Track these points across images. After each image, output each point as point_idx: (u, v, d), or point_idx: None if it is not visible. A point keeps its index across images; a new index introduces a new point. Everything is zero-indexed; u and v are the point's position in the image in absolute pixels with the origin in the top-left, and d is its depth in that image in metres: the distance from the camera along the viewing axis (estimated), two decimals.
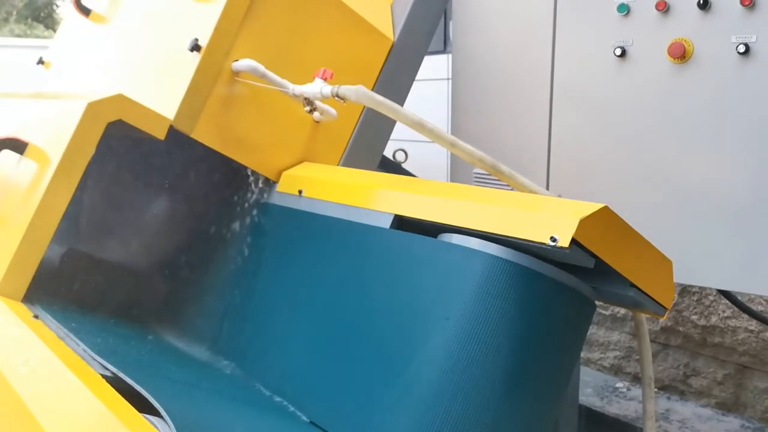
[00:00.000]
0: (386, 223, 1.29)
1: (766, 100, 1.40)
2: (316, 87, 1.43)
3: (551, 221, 1.00)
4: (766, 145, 1.43)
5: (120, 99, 1.36)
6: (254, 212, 1.61)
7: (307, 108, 1.52)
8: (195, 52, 1.47)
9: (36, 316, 1.19)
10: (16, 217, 1.35)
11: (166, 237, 1.68)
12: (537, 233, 1.02)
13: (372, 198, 1.34)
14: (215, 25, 1.47)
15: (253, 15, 1.53)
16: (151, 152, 1.61)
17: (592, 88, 1.62)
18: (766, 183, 1.44)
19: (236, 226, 1.63)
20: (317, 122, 1.69)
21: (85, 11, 2.17)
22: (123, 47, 1.86)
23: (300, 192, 1.54)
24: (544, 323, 1.09)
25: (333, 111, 1.58)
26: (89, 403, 0.79)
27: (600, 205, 1.01)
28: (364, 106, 1.78)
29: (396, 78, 1.83)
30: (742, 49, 1.41)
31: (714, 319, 2.91)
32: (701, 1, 1.44)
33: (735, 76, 1.43)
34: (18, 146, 1.48)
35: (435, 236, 1.22)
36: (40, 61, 2.41)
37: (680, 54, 1.47)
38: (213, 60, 1.48)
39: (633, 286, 1.11)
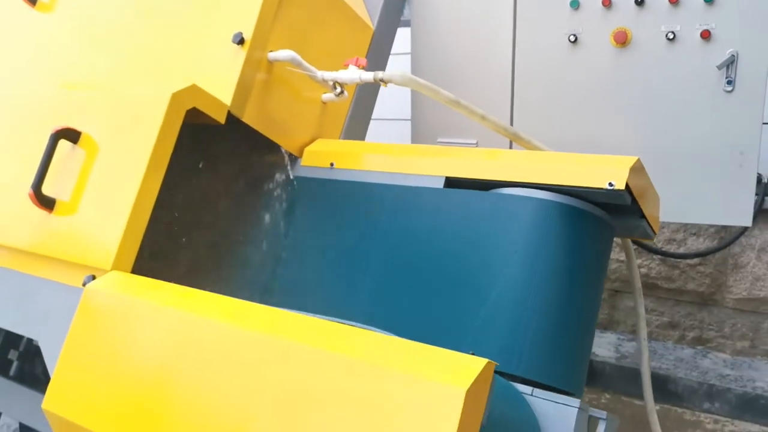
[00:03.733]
0: (439, 184, 1.58)
1: (688, 76, 1.87)
2: (354, 74, 1.67)
3: (606, 170, 1.36)
4: (687, 111, 1.90)
5: (194, 89, 1.50)
6: (285, 186, 1.81)
7: (337, 91, 1.75)
8: (239, 44, 1.64)
9: None
10: (109, 199, 1.44)
11: (206, 215, 1.83)
12: (594, 180, 1.37)
13: (421, 164, 1.61)
14: (257, 20, 1.64)
15: (282, 9, 1.72)
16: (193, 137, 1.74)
17: (550, 69, 2.01)
18: (685, 138, 1.92)
19: (270, 201, 1.82)
20: (324, 103, 1.91)
21: (32, 0, 2.17)
22: (107, 38, 1.92)
23: (332, 165, 1.76)
24: (588, 247, 1.46)
25: (346, 93, 1.82)
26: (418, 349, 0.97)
27: (635, 158, 1.38)
28: (356, 87, 2.02)
29: (376, 62, 2.09)
30: (671, 36, 1.85)
31: None
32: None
33: (664, 57, 1.88)
34: (73, 136, 1.56)
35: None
36: None
37: (623, 40, 1.90)
38: (255, 51, 1.66)
39: (643, 217, 1.51)
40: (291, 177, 1.82)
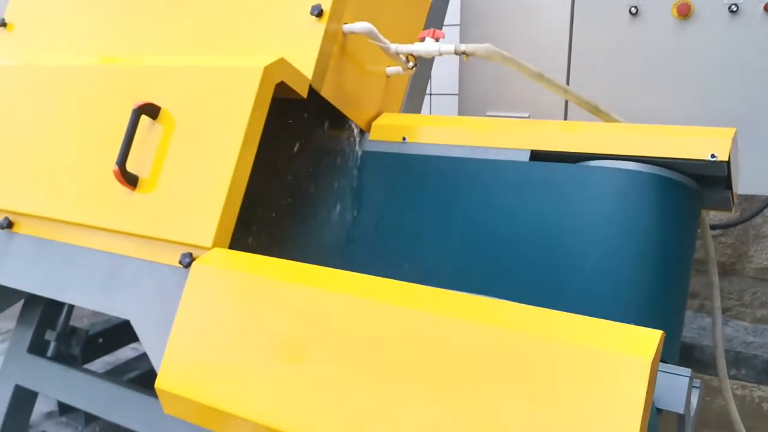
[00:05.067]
0: (524, 158, 1.58)
1: (750, 47, 1.89)
2: (433, 47, 1.65)
3: (707, 141, 1.37)
4: (745, 83, 1.92)
5: (283, 62, 1.47)
6: (354, 161, 1.79)
7: (410, 64, 1.73)
8: (317, 17, 1.60)
9: None
10: (200, 176, 1.41)
11: (272, 192, 1.81)
12: (694, 152, 1.38)
13: (504, 138, 1.61)
14: None
15: None
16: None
17: (609, 41, 2.01)
18: (744, 109, 1.94)
19: (338, 176, 1.80)
20: (388, 77, 1.89)
21: None
22: (162, 9, 1.87)
23: (404, 139, 1.75)
24: (682, 218, 1.48)
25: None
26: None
27: (733, 129, 1.39)
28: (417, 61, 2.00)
29: None
30: (734, 8, 1.87)
31: None
32: None
33: (727, 29, 1.90)
34: (153, 111, 1.52)
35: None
36: (2, 23, 2.27)
37: (686, 12, 1.90)
38: (332, 23, 1.63)
39: (728, 188, 1.53)
40: (360, 151, 1.80)
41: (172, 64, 1.57)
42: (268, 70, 1.43)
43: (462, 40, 2.26)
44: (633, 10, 1.96)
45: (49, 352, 2.37)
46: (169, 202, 1.45)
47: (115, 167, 1.46)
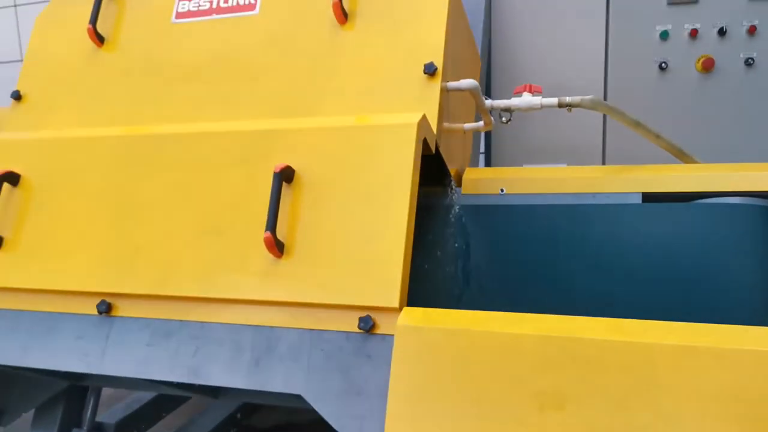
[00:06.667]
0: (636, 200, 1.68)
1: (764, 96, 2.14)
2: (534, 100, 1.72)
3: None
4: (763, 128, 2.17)
5: (425, 119, 1.49)
6: (454, 217, 1.81)
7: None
8: (431, 75, 1.64)
9: None
10: (367, 237, 1.38)
11: None
12: None
13: (612, 183, 1.70)
14: (444, 49, 1.66)
15: (451, 39, 1.74)
16: None
17: (640, 93, 2.19)
18: (760, 149, 2.19)
19: (439, 233, 1.81)
20: (464, 132, 1.94)
21: (100, 39, 2.03)
22: (246, 74, 1.83)
23: (502, 191, 1.80)
24: None
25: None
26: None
27: None
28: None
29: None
30: (750, 62, 2.12)
31: None
32: (721, 29, 2.11)
33: (743, 80, 2.14)
34: (289, 174, 1.47)
35: None
36: (17, 96, 2.10)
37: (710, 66, 2.13)
38: (443, 81, 1.67)
39: None
40: (457, 207, 1.82)
41: (306, 126, 1.53)
42: (420, 126, 1.44)
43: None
44: (663, 65, 2.17)
45: None
46: (333, 266, 1.39)
47: (267, 234, 1.39)
